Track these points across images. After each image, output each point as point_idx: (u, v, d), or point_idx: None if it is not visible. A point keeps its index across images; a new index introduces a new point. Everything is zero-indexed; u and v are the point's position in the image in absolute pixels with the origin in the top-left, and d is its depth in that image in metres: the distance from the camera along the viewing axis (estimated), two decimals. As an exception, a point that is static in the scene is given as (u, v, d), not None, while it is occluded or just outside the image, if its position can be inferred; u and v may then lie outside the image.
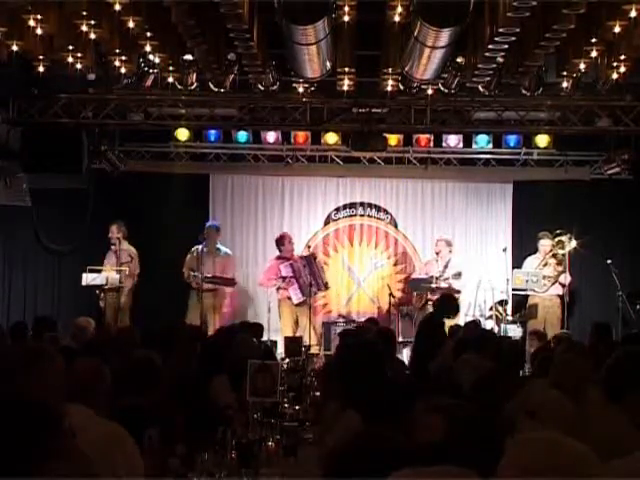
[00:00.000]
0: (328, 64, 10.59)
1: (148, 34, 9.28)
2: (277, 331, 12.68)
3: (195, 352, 7.13)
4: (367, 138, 12.48)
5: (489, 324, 12.54)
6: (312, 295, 13.04)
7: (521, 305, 13.27)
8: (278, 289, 13.17)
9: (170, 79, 11.13)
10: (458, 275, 12.90)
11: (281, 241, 13.30)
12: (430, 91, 11.79)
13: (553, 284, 12.83)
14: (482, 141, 13.56)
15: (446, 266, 13.03)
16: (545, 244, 12.94)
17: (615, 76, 10.57)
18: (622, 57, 9.87)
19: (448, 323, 10.14)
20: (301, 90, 11.84)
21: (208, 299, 12.84)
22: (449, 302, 10.27)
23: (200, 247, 12.87)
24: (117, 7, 8.31)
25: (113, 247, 13.01)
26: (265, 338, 10.92)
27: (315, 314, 13.40)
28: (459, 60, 10.59)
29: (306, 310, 12.93)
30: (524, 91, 11.38)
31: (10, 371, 3.76)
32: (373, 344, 7.70)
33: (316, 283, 13.08)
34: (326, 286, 13.37)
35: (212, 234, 13.10)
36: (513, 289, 13.10)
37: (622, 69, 10.26)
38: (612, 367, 4.28)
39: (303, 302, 13.00)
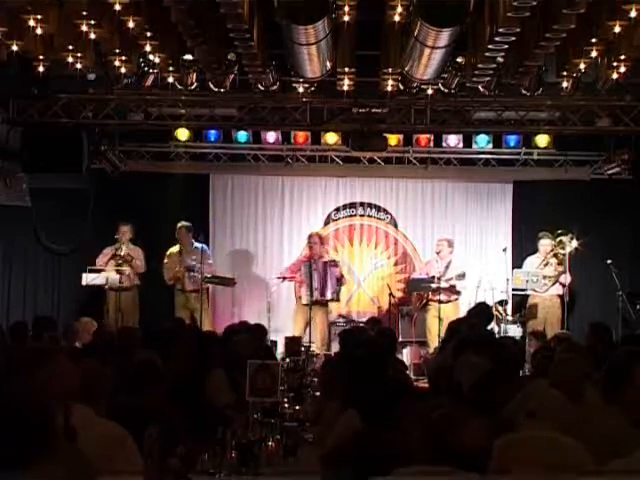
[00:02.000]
0: (328, 64, 10.59)
1: (148, 34, 9.27)
2: (277, 331, 12.67)
3: (195, 352, 7.13)
4: (367, 138, 12.47)
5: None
6: (315, 299, 12.95)
7: (521, 305, 13.27)
8: (299, 286, 13.18)
9: (170, 79, 11.11)
10: (462, 276, 12.89)
11: (308, 241, 13.32)
12: (430, 91, 11.79)
13: (553, 284, 12.83)
14: (482, 141, 13.57)
15: (447, 267, 13.01)
16: (546, 244, 12.94)
17: (615, 76, 10.56)
18: (622, 57, 9.86)
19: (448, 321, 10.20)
20: (301, 90, 11.83)
21: (195, 300, 12.83)
22: (487, 311, 10.55)
23: (175, 248, 12.96)
24: (117, 7, 8.30)
25: (118, 248, 12.99)
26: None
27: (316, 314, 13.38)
28: (459, 60, 10.58)
29: (318, 312, 12.91)
30: (524, 91, 11.38)
31: (14, 372, 3.76)
32: (374, 344, 7.72)
33: (320, 288, 12.99)
34: (332, 296, 13.17)
35: (183, 233, 13.07)
36: (513, 289, 13.10)
37: (622, 69, 10.25)
38: (609, 367, 4.29)
39: (312, 303, 12.95)
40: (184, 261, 12.99)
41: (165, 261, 13.10)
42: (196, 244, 13.21)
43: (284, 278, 13.39)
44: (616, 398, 4.15)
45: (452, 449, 2.99)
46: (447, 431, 3.09)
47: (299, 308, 13.12)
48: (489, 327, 12.02)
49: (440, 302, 12.81)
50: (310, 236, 13.36)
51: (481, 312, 10.72)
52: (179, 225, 13.11)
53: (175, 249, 13.11)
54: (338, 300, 13.36)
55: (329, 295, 13.08)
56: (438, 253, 13.24)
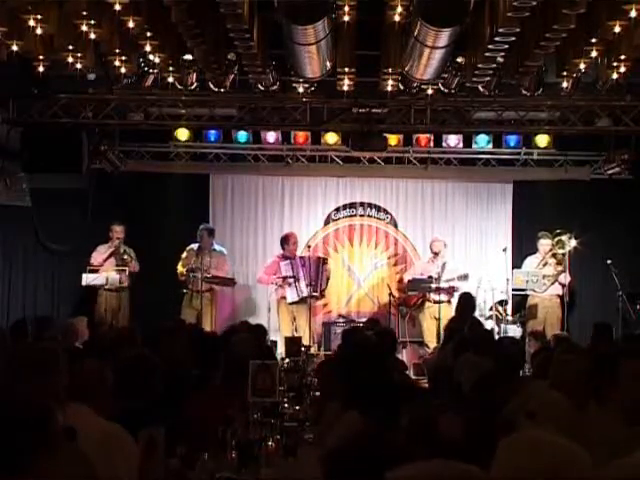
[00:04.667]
0: (328, 64, 10.58)
1: (148, 34, 9.27)
2: (277, 331, 12.68)
3: (195, 351, 7.12)
4: (367, 138, 12.47)
5: (489, 324, 12.54)
6: (306, 295, 12.96)
7: (521, 305, 13.27)
8: (277, 287, 13.16)
9: (170, 79, 11.12)
10: (465, 277, 12.88)
11: (286, 240, 13.30)
12: (430, 91, 11.79)
13: (553, 284, 12.83)
14: (482, 141, 13.57)
15: (443, 268, 12.97)
16: (545, 244, 12.94)
17: (615, 76, 10.57)
18: (622, 57, 9.86)
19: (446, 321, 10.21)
20: (301, 90, 11.83)
21: (203, 300, 12.83)
22: (471, 301, 10.62)
23: (195, 245, 12.97)
24: (117, 7, 8.29)
25: (114, 246, 12.99)
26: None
27: (315, 314, 13.37)
28: (459, 60, 10.59)
29: (303, 310, 12.92)
30: (524, 91, 11.38)
31: (16, 371, 3.76)
32: (374, 344, 7.71)
33: (314, 285, 13.01)
34: (322, 293, 13.30)
35: (204, 236, 13.09)
36: (513, 289, 13.10)
37: (622, 69, 10.26)
38: (597, 364, 4.31)
39: (298, 302, 12.97)
40: (190, 262, 12.99)
41: (184, 255, 13.12)
42: (215, 246, 13.26)
43: (278, 286, 13.23)
44: (607, 395, 4.16)
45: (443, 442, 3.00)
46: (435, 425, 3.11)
47: (283, 308, 13.09)
48: (489, 327, 12.06)
49: (438, 302, 12.80)
50: (290, 235, 13.34)
51: (466, 304, 10.77)
52: (200, 227, 13.18)
53: (195, 246, 13.11)
54: (324, 296, 13.44)
55: (319, 291, 13.12)
56: (437, 253, 13.23)
